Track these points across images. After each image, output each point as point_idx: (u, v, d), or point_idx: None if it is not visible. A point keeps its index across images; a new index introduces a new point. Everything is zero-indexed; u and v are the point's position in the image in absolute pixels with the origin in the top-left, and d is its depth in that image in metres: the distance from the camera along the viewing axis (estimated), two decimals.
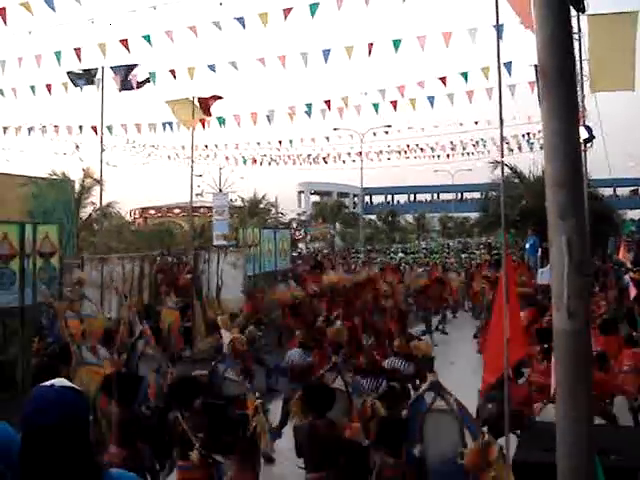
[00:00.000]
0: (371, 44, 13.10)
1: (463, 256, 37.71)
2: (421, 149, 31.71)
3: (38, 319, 11.82)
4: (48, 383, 2.41)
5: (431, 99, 16.42)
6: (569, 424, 3.55)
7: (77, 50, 13.00)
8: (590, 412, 3.63)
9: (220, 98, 16.99)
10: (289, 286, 16.72)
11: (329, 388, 6.14)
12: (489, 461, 4.93)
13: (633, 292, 17.75)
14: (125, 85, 13.57)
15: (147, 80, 14.16)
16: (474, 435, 5.38)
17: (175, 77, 14.00)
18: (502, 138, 5.55)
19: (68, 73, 14.29)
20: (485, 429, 5.86)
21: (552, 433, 3.73)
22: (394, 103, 16.94)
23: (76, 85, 14.61)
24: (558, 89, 3.68)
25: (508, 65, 13.23)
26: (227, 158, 32.55)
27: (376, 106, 17.18)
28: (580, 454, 3.54)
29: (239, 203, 46.35)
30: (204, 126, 17.46)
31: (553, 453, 3.71)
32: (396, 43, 12.77)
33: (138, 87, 13.92)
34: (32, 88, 15.11)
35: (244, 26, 11.70)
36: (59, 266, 12.46)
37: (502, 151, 5.94)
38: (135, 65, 13.67)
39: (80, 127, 21.13)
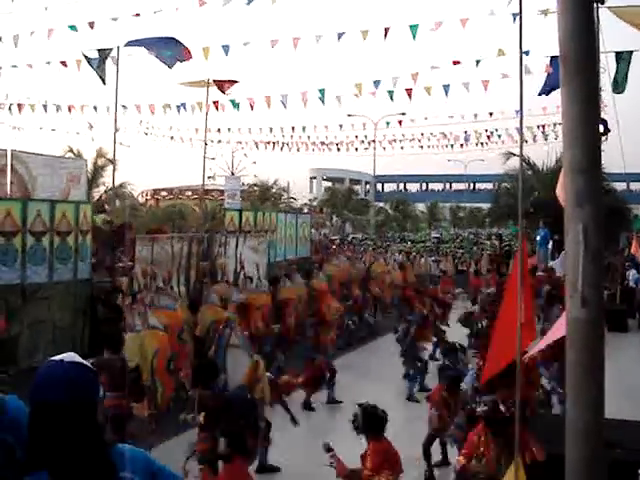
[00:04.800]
0: (387, 29, 12.97)
1: (474, 248, 37.17)
2: (437, 138, 31.49)
3: (55, 296, 12.06)
4: (58, 358, 2.39)
5: (446, 87, 16.29)
6: (579, 413, 3.53)
7: (90, 24, 12.97)
8: (601, 402, 3.59)
9: (236, 82, 16.74)
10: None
11: (212, 364, 7.40)
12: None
13: None
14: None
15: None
16: None
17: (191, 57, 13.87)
18: (522, 128, 5.49)
19: (84, 55, 14.22)
20: None
21: (557, 425, 3.70)
22: (409, 91, 16.81)
23: (91, 65, 14.53)
24: (579, 75, 3.63)
25: (525, 54, 13.10)
26: (239, 142, 32.49)
27: (391, 93, 17.03)
28: (589, 444, 3.51)
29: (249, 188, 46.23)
30: (217, 108, 17.30)
31: (560, 444, 3.69)
32: (413, 28, 12.63)
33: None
34: (48, 64, 15.09)
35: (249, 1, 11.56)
36: (74, 245, 12.72)
37: (522, 142, 5.85)
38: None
39: (95, 107, 21.10)
